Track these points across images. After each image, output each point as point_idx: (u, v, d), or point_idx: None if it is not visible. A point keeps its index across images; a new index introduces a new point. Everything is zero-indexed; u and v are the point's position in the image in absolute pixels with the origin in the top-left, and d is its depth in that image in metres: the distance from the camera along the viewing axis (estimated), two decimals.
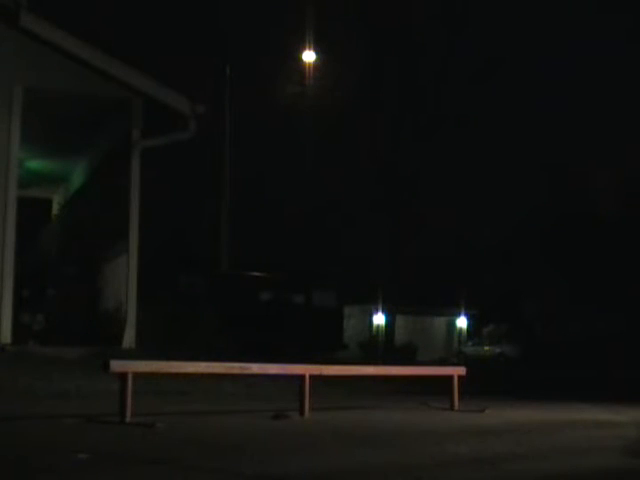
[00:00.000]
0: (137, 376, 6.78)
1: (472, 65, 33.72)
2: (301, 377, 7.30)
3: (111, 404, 6.23)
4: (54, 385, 8.34)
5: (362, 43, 32.80)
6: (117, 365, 6.26)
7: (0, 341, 11.18)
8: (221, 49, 27.54)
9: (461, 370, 8.87)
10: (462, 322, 40.74)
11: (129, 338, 11.96)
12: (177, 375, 8.02)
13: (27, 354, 10.60)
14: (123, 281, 12.34)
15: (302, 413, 7.09)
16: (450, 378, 8.59)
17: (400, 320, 38.17)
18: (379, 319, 37.79)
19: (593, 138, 36.42)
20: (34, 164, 15.44)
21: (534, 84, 37.43)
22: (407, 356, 30.83)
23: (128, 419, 6.03)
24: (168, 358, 7.60)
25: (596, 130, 36.45)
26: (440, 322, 41.73)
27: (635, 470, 4.98)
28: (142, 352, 10.60)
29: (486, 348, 35.94)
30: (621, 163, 35.76)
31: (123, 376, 6.19)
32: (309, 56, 28.17)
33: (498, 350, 35.06)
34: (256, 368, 7.51)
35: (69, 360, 10.33)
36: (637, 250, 32.78)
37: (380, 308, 36.86)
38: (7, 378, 8.38)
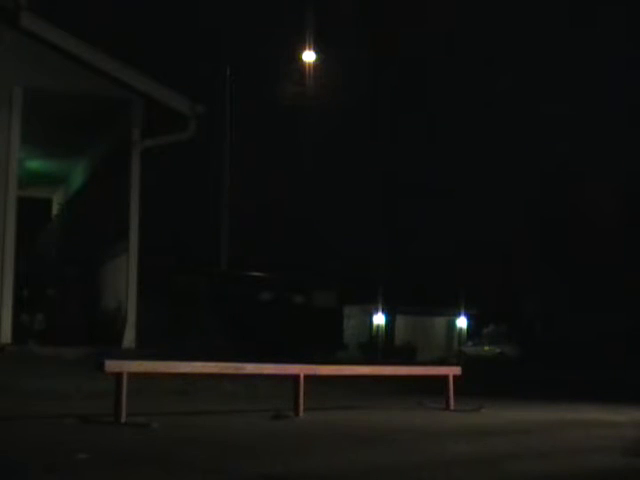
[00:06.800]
0: (137, 376, 6.79)
1: (472, 65, 33.78)
2: (295, 377, 7.30)
3: (111, 404, 6.23)
4: (54, 385, 8.34)
5: (362, 43, 32.86)
6: (112, 365, 6.26)
7: (0, 341, 11.18)
8: (221, 49, 27.56)
9: (457, 370, 8.88)
10: (462, 322, 40.75)
11: (129, 338, 11.96)
12: (176, 375, 8.02)
13: (27, 354, 10.60)
14: (123, 281, 12.34)
15: (297, 413, 7.09)
16: (446, 378, 8.61)
17: (400, 320, 38.21)
18: (379, 319, 37.83)
19: (593, 141, 36.43)
20: (34, 164, 15.43)
21: (534, 87, 37.44)
22: (407, 356, 30.86)
23: (123, 419, 6.04)
24: (168, 358, 7.61)
25: (596, 133, 36.45)
26: (440, 322, 41.76)
27: (635, 470, 4.98)
28: (142, 352, 10.60)
29: (486, 348, 35.95)
30: (620, 165, 35.78)
31: (118, 376, 6.20)
32: (309, 56, 28.19)
33: (498, 350, 35.07)
34: (251, 368, 7.52)
35: (69, 360, 10.33)
36: (636, 249, 32.77)
37: (380, 308, 36.89)
38: (7, 378, 8.38)
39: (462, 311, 39.51)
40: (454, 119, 36.45)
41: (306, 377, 7.34)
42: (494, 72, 35.67)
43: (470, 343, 38.50)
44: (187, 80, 20.53)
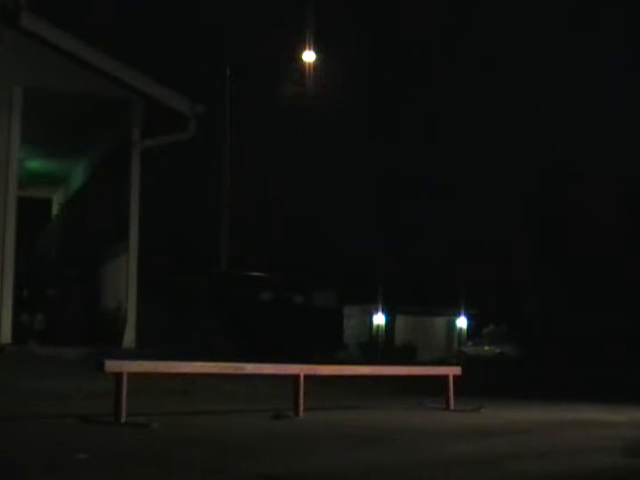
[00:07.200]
0: (137, 376, 6.78)
1: (472, 65, 33.78)
2: (295, 377, 7.30)
3: (111, 404, 6.23)
4: (54, 385, 8.34)
5: (362, 43, 32.87)
6: (112, 365, 6.26)
7: (0, 341, 11.18)
8: (221, 49, 27.57)
9: (456, 370, 8.89)
10: (462, 322, 40.73)
11: (129, 338, 11.96)
12: (176, 375, 8.02)
13: (27, 354, 10.60)
14: (123, 281, 12.34)
15: (297, 413, 7.09)
16: (445, 378, 8.61)
17: (400, 320, 38.18)
18: (379, 319, 37.81)
19: (593, 141, 36.43)
20: (34, 164, 15.44)
21: (534, 87, 37.43)
22: (407, 356, 30.85)
23: (123, 419, 6.04)
24: (168, 358, 7.60)
25: (596, 133, 36.45)
26: (440, 322, 41.73)
27: (635, 470, 4.98)
28: (142, 352, 10.60)
29: (486, 348, 35.94)
30: (620, 165, 35.78)
31: (118, 376, 6.20)
32: (309, 56, 28.19)
33: (498, 350, 35.06)
34: (250, 368, 7.51)
35: (69, 360, 10.33)
36: (636, 250, 32.77)
37: (380, 308, 36.87)
38: (7, 378, 8.37)
39: (462, 311, 39.48)
40: (454, 119, 36.47)
41: (306, 377, 7.34)
42: (494, 72, 35.69)
43: (470, 343, 38.48)
44: (187, 80, 20.54)
